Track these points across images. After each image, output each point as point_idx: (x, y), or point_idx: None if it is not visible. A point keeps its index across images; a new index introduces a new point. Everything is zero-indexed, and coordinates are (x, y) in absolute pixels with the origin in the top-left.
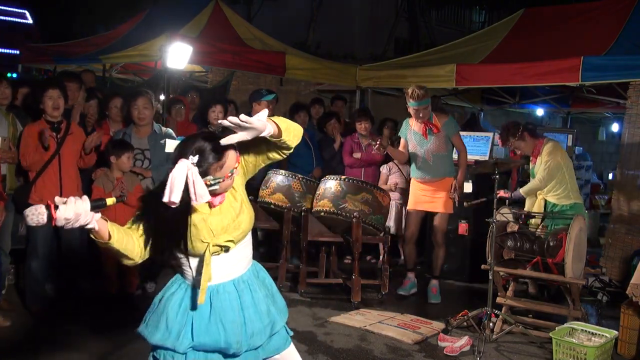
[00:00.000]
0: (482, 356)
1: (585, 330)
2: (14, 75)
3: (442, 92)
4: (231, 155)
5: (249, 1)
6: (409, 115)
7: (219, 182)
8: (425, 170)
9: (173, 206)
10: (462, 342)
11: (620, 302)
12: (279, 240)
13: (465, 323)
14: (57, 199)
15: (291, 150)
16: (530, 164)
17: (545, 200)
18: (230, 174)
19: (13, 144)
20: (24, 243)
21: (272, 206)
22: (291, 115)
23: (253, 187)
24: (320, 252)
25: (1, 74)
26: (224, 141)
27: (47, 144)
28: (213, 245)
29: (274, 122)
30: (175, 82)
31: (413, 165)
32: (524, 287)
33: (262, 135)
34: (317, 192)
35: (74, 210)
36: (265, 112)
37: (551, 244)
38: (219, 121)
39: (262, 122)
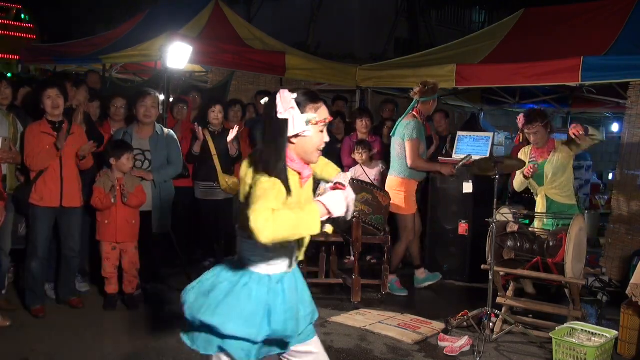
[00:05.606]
0: (482, 356)
1: (585, 330)
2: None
3: (442, 92)
4: (324, 109)
5: (249, 1)
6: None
7: (311, 125)
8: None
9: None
10: (462, 342)
11: (620, 302)
12: None
13: (465, 323)
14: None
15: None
16: (539, 159)
17: (546, 197)
18: (323, 122)
19: (14, 145)
20: (24, 243)
21: None
22: None
23: None
24: (320, 252)
25: (1, 74)
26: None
27: (61, 145)
28: None
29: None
30: (176, 82)
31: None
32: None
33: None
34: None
35: None
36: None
37: (551, 244)
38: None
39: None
